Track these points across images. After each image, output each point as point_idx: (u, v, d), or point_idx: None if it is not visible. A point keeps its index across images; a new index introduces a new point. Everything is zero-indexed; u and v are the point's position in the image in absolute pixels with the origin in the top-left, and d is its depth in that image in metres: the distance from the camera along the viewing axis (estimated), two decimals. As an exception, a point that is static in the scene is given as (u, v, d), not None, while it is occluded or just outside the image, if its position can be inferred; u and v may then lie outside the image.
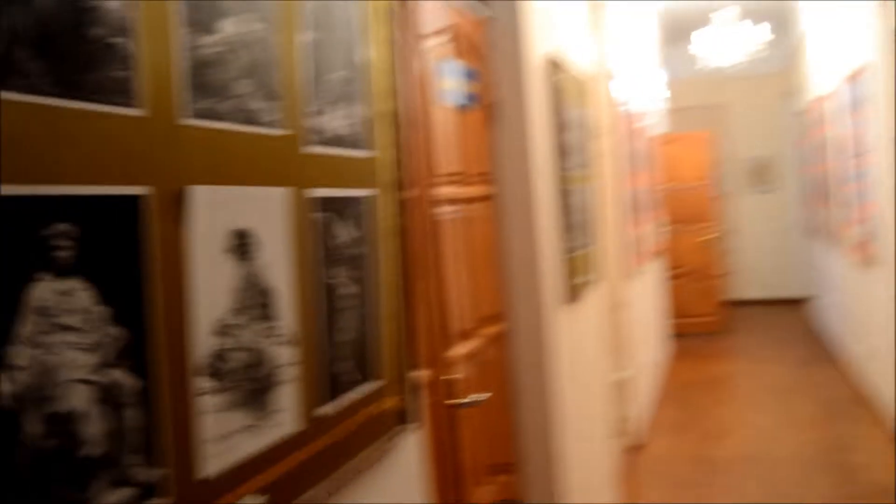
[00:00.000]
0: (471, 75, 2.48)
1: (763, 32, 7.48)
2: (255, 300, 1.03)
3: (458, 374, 2.22)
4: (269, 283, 1.07)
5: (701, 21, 7.85)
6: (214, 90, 1.00)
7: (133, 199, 0.84)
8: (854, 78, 5.54)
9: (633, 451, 4.84)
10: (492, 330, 2.56)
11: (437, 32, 2.23)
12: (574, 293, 3.19)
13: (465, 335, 2.32)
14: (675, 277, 8.53)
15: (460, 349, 2.26)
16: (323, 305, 1.23)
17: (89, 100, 0.79)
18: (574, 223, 3.27)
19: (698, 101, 10.42)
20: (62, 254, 0.74)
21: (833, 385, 6.20)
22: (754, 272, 10.51)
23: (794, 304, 9.96)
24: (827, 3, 6.44)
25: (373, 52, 1.49)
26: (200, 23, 0.98)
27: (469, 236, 2.40)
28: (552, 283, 2.88)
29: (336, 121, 1.31)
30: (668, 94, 8.34)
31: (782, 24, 9.17)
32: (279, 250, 1.10)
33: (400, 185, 1.54)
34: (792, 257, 10.34)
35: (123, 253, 0.83)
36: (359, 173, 1.38)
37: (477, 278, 2.45)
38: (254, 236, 1.04)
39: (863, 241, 5.58)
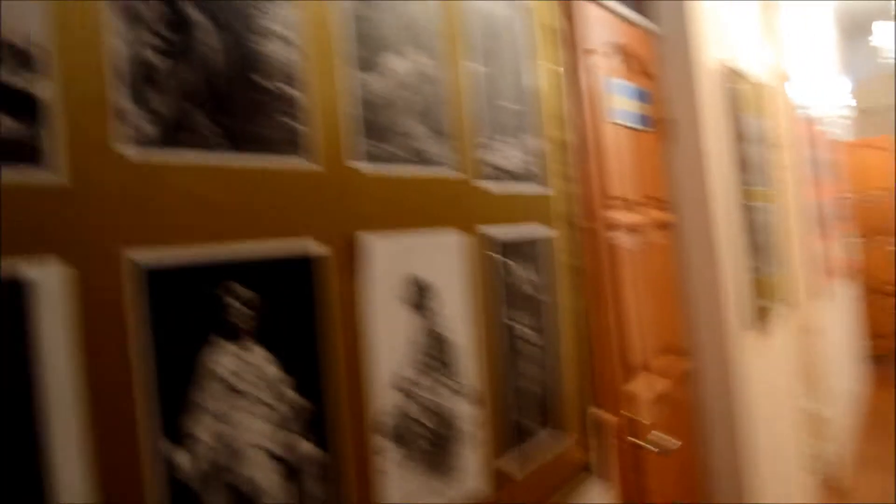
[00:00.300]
0: (642, 96, 2.34)
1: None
2: (434, 352, 0.96)
3: (642, 413, 2.06)
4: (448, 333, 1.00)
5: (882, 15, 7.21)
6: (384, 132, 0.95)
7: (308, 256, 0.79)
8: None
9: (834, 491, 4.40)
10: (674, 363, 2.38)
11: (605, 49, 2.12)
12: (761, 319, 2.94)
13: (646, 369, 2.16)
14: (868, 294, 7.80)
15: (642, 386, 2.10)
16: (505, 354, 1.14)
17: (260, 153, 0.75)
18: (758, 243, 3.02)
19: (884, 101, 9.56)
20: (239, 318, 0.70)
21: None
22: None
23: None
24: None
25: (541, 76, 1.40)
26: (368, 62, 0.93)
27: (647, 264, 2.25)
28: (738, 309, 2.65)
29: (509, 155, 1.23)
30: (850, 96, 7.70)
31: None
32: (458, 297, 1.03)
33: (576, 219, 1.44)
34: None
35: (301, 313, 0.78)
36: (535, 210, 1.29)
37: (657, 308, 2.29)
38: (431, 284, 0.97)
39: None
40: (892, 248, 7.87)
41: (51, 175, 0.58)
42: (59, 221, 0.59)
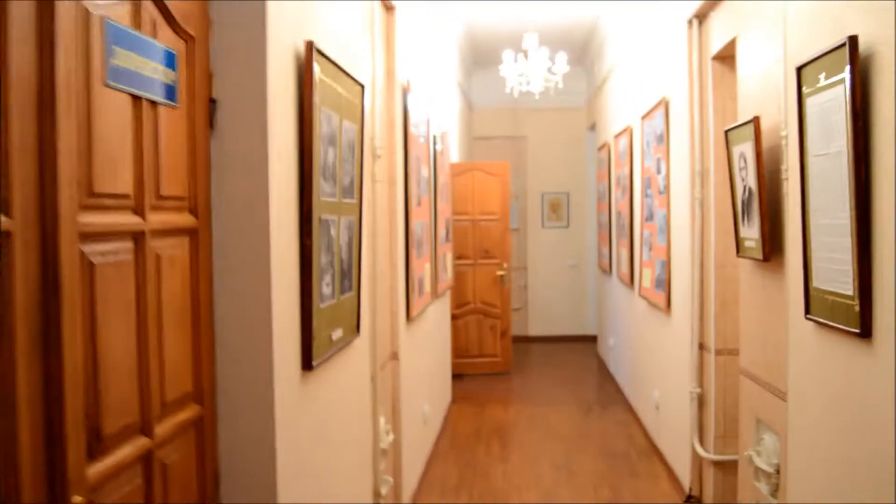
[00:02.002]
0: (170, 58, 1.73)
1: (561, 64, 7.24)
2: None
3: (111, 497, 1.45)
4: None
5: (512, 44, 7.52)
6: None
7: None
8: (651, 114, 5.35)
9: (400, 521, 4.20)
10: (180, 419, 1.80)
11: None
12: (324, 354, 2.50)
13: (129, 433, 1.55)
14: (462, 315, 8.12)
15: (118, 457, 1.49)
16: None
17: None
18: (331, 264, 2.59)
19: (500, 131, 10.18)
20: None
21: (626, 434, 5.90)
22: (548, 308, 10.34)
23: (587, 341, 9.88)
24: (633, 37, 6.29)
25: None
26: None
27: (149, 286, 1.64)
28: (290, 346, 2.17)
29: None
30: (468, 120, 7.96)
31: (588, 59, 9.14)
32: None
33: None
34: (587, 294, 10.26)
35: None
36: None
37: (160, 348, 1.69)
38: None
39: (654, 283, 5.37)
40: (491, 272, 8.28)
41: None
42: None
